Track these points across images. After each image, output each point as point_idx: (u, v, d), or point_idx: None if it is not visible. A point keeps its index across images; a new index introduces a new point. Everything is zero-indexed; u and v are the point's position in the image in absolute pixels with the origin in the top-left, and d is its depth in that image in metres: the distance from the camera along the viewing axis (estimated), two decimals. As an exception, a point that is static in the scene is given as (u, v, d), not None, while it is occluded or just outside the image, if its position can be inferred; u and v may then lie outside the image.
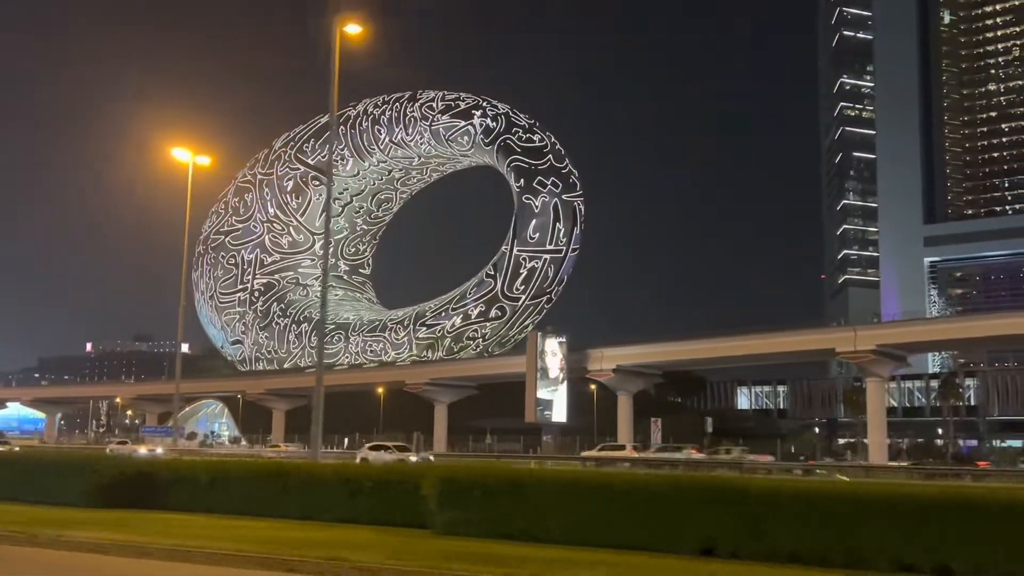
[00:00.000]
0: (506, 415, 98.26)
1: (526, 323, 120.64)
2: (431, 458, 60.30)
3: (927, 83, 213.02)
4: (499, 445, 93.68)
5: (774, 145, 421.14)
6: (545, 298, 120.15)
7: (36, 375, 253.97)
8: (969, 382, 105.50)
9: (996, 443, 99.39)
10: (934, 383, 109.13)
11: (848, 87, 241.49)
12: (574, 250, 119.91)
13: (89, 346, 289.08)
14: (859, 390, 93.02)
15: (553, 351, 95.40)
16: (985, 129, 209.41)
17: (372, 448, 64.91)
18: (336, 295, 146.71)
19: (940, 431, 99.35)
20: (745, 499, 16.78)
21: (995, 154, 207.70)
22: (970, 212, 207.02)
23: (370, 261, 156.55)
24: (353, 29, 30.54)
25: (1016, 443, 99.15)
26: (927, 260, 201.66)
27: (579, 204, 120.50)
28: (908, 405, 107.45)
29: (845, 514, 15.80)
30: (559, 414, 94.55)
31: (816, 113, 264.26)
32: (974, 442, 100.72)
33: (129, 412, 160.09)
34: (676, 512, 17.11)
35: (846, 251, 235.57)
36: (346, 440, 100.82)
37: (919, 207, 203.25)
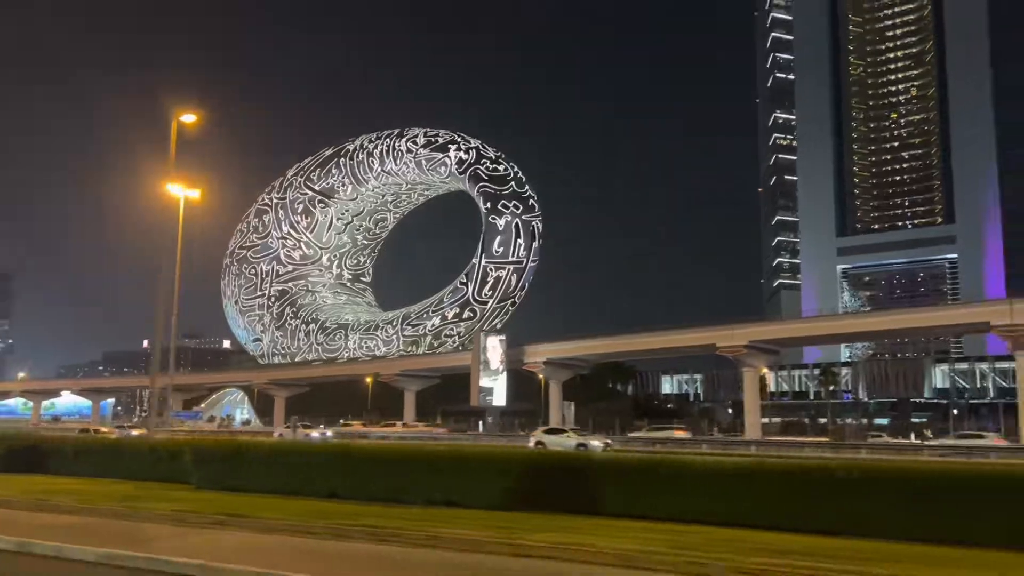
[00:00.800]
0: (463, 400, 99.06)
1: (494, 322, 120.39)
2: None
3: (839, 117, 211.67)
4: (455, 424, 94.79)
5: (721, 174, 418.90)
6: (510, 301, 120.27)
7: (100, 368, 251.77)
8: (846, 371, 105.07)
9: (864, 421, 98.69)
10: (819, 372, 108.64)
11: (781, 120, 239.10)
12: (533, 261, 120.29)
13: (146, 342, 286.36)
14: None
15: (494, 346, 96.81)
16: (888, 156, 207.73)
17: (547, 432, 55.25)
18: (340, 300, 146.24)
19: (830, 413, 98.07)
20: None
21: (896, 177, 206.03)
22: (876, 226, 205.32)
23: (370, 271, 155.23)
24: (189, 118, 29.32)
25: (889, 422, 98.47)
26: (839, 267, 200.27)
27: (537, 223, 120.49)
28: (798, 390, 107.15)
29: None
30: (499, 399, 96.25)
31: (756, 145, 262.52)
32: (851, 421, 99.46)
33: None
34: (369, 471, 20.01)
35: (779, 259, 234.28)
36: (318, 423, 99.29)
37: (832, 221, 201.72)
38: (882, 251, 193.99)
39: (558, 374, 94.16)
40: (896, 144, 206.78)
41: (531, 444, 45.74)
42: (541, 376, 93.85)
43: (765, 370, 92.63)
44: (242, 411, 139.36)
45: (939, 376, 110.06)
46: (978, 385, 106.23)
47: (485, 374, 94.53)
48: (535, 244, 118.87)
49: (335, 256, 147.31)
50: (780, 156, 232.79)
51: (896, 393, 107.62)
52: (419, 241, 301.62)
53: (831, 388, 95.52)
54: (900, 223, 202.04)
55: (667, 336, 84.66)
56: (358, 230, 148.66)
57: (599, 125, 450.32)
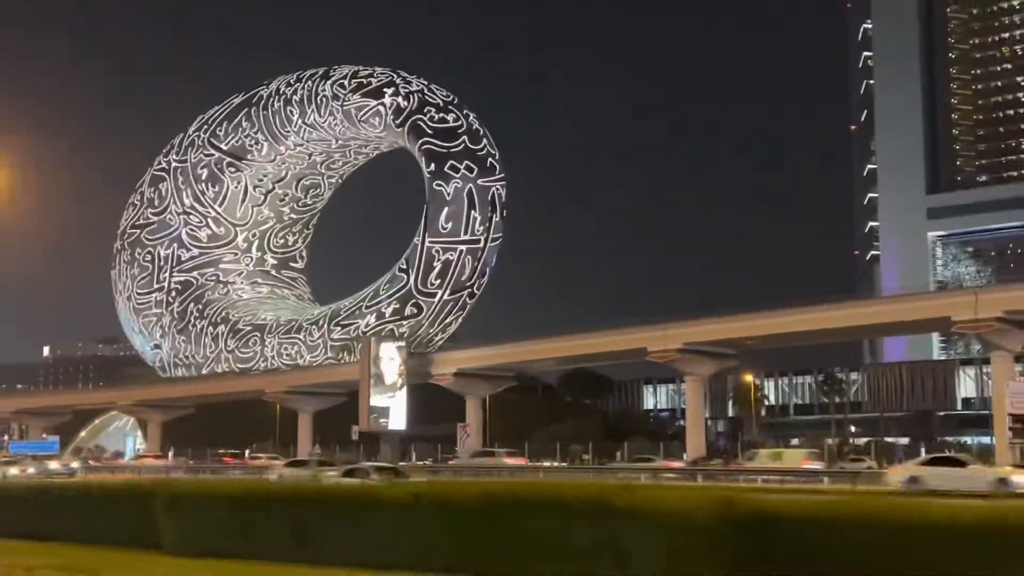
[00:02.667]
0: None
1: (447, 320, 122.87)
2: None
3: (930, 30, 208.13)
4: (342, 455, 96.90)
5: (792, 106, 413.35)
6: (466, 293, 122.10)
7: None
8: (855, 376, 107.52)
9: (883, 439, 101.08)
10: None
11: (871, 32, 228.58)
12: (495, 240, 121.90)
13: (47, 350, 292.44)
14: (747, 386, 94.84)
15: (390, 356, 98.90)
16: (998, 83, 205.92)
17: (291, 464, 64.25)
18: (259, 292, 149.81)
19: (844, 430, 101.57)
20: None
21: (1010, 111, 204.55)
22: (982, 179, 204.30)
23: (303, 254, 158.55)
24: None
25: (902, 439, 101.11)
26: (932, 234, 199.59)
27: (499, 189, 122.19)
28: (803, 402, 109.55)
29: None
30: (397, 421, 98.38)
31: (846, 67, 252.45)
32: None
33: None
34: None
35: (872, 223, 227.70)
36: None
37: (921, 173, 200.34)
38: (989, 211, 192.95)
39: (475, 388, 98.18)
40: (1009, 66, 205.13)
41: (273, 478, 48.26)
42: (458, 392, 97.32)
43: (749, 377, 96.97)
44: (135, 440, 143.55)
45: (965, 383, 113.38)
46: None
47: (378, 390, 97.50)
48: (495, 217, 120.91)
49: (254, 235, 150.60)
50: (871, 82, 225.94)
51: (918, 405, 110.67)
52: (373, 214, 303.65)
53: (837, 400, 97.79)
54: (1016, 173, 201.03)
55: (588, 340, 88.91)
56: (283, 201, 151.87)
57: (600, 37, 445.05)
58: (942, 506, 14.66)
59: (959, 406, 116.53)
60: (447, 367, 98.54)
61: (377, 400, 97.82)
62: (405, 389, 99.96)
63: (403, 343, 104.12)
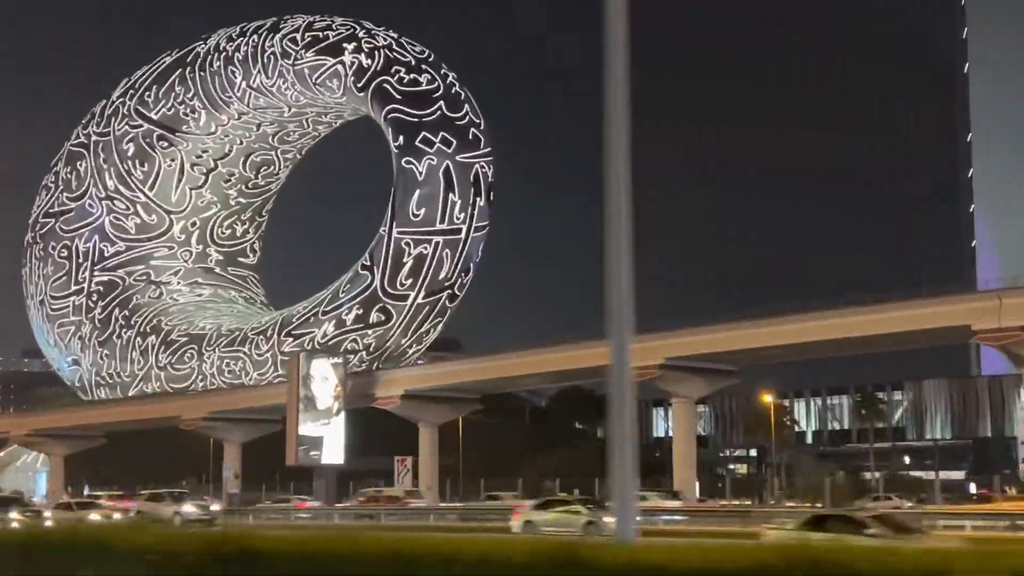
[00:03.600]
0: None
1: (423, 328, 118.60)
2: None
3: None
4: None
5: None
6: (445, 294, 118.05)
7: None
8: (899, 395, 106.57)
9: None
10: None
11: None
12: (479, 229, 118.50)
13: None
14: (764, 409, 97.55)
15: (324, 375, 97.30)
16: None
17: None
18: (199, 295, 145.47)
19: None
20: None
21: None
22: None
23: (256, 246, 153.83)
24: None
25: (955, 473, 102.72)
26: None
27: (484, 166, 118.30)
28: (837, 427, 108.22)
29: None
30: (333, 453, 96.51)
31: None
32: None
33: None
34: None
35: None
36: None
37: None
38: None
39: (428, 413, 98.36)
40: None
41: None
42: (409, 419, 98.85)
43: (767, 398, 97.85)
44: (44, 478, 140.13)
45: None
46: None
47: (309, 416, 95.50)
48: (479, 201, 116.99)
49: (193, 225, 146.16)
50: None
51: (970, 430, 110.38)
52: (344, 195, 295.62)
53: (878, 424, 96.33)
54: None
55: (554, 355, 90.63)
56: (228, 182, 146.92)
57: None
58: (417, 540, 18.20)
59: (1016, 430, 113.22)
60: (393, 388, 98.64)
61: (308, 428, 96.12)
62: (343, 415, 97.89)
63: (339, 360, 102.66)
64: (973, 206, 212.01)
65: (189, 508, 67.51)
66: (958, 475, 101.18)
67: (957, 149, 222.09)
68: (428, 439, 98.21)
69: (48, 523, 56.81)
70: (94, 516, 60.75)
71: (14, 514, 61.17)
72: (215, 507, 73.10)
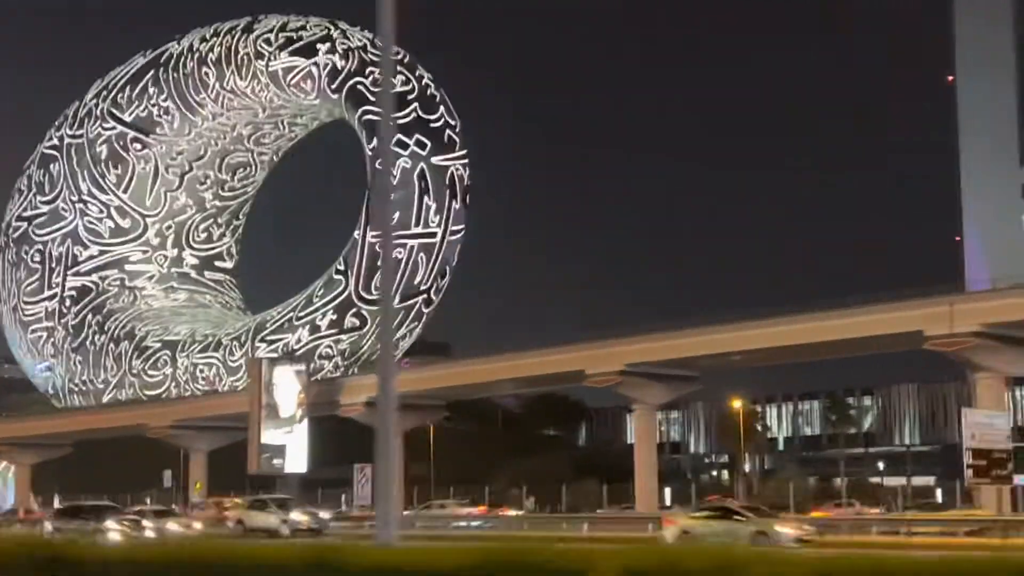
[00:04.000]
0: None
1: (400, 334, 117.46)
2: None
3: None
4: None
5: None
6: (421, 299, 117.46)
7: None
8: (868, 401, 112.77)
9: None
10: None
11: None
12: (455, 232, 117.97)
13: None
14: (731, 416, 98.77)
15: (287, 382, 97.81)
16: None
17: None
18: (175, 300, 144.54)
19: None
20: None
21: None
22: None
23: (232, 250, 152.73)
24: None
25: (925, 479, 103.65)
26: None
27: (459, 168, 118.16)
28: (810, 433, 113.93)
29: None
30: (296, 463, 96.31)
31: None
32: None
33: None
34: None
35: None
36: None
37: (1015, 144, 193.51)
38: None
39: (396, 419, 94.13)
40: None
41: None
42: (373, 426, 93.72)
43: (737, 403, 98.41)
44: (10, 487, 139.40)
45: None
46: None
47: (272, 424, 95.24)
48: (455, 204, 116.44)
49: (168, 228, 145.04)
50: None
51: (940, 436, 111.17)
52: (324, 197, 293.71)
53: (849, 430, 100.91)
54: None
55: (521, 360, 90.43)
56: (204, 185, 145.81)
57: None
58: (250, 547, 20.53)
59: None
60: (357, 396, 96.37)
61: (271, 436, 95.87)
62: (306, 423, 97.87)
63: (303, 367, 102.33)
64: (962, 205, 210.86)
65: (298, 516, 63.77)
66: (930, 481, 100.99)
67: (945, 148, 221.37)
68: (396, 447, 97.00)
69: (149, 534, 53.26)
70: (172, 526, 58.11)
71: (111, 523, 54.42)
72: (324, 515, 69.10)
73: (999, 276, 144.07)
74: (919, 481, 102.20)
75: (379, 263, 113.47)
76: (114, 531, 52.27)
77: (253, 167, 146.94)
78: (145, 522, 57.99)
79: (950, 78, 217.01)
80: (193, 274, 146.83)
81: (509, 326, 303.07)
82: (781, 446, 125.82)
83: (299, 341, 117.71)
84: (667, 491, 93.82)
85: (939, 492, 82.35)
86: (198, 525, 62.42)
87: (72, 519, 59.52)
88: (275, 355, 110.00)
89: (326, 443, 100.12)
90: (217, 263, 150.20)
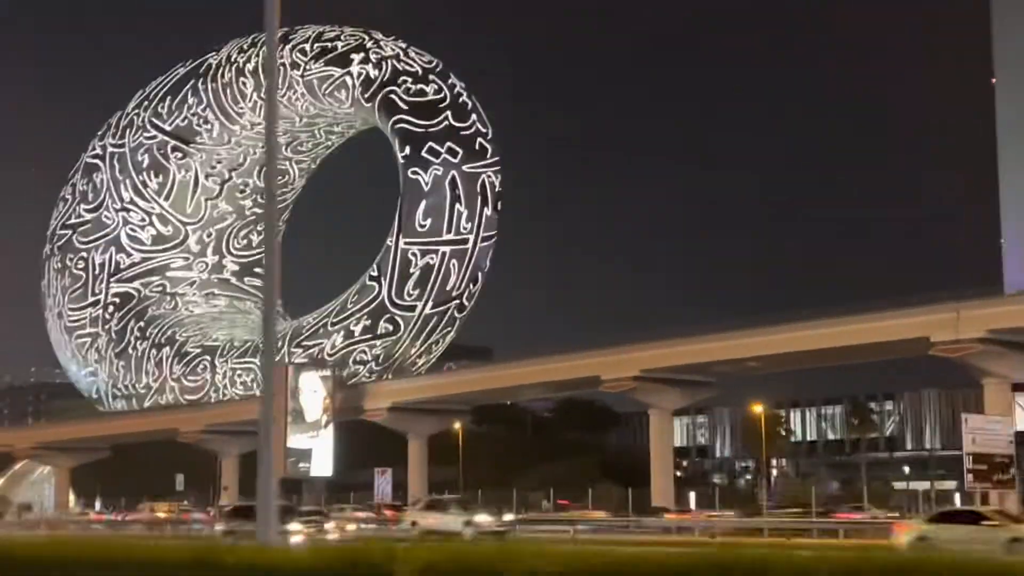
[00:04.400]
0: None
1: (432, 339, 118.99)
2: None
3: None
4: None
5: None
6: (454, 305, 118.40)
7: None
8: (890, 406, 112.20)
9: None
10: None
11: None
12: (486, 239, 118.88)
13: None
14: (755, 419, 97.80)
15: (313, 388, 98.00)
16: None
17: None
18: (215, 306, 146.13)
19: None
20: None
21: None
22: None
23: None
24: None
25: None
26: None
27: (491, 176, 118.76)
28: (833, 438, 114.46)
29: None
30: (322, 466, 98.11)
31: None
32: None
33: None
34: None
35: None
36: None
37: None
38: None
39: (417, 425, 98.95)
40: None
41: None
42: (398, 431, 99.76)
43: (758, 408, 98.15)
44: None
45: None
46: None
47: (298, 429, 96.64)
48: (486, 211, 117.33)
49: (209, 236, 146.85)
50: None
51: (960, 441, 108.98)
52: (361, 202, 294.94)
53: (871, 435, 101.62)
54: None
55: (543, 365, 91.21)
56: (243, 193, 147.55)
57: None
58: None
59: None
60: (381, 400, 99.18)
61: (297, 441, 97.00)
62: (331, 428, 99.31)
63: (328, 373, 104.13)
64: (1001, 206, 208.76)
65: (484, 518, 59.86)
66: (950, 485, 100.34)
67: (983, 148, 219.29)
68: (417, 451, 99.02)
69: (331, 536, 51.21)
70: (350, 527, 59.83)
71: (294, 526, 51.62)
72: (509, 516, 68.04)
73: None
74: (944, 485, 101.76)
75: (411, 270, 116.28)
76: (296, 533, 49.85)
77: (291, 175, 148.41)
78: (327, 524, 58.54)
79: (993, 80, 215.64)
80: (233, 280, 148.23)
81: (541, 327, 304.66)
82: (804, 450, 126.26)
83: (334, 347, 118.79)
84: (691, 495, 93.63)
85: (958, 497, 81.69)
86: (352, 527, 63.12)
87: (246, 520, 57.54)
88: (304, 361, 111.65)
89: (353, 447, 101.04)
90: (257, 269, 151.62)
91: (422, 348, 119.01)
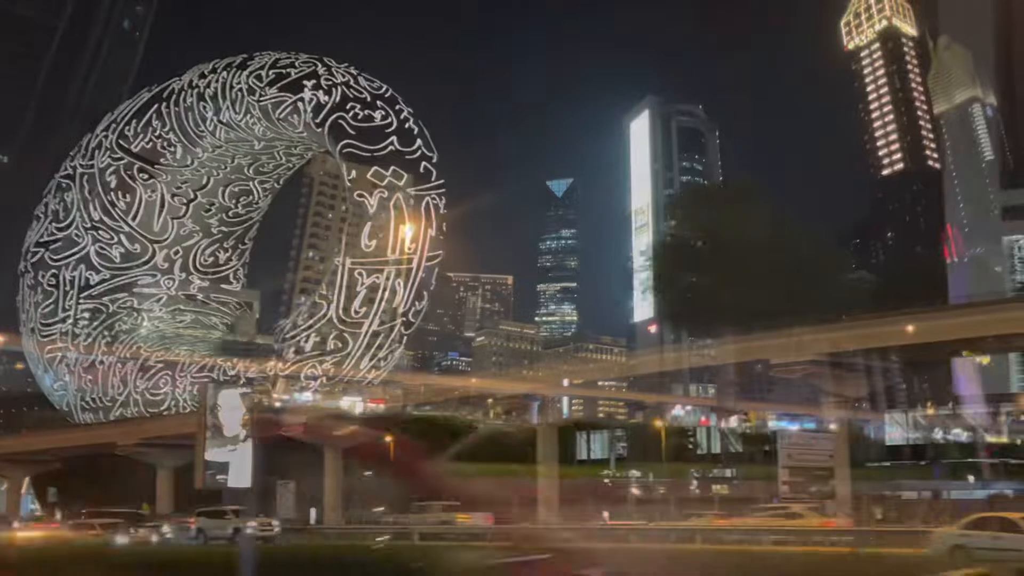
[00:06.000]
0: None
1: (380, 355, 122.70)
2: None
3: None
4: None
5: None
6: (399, 322, 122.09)
7: None
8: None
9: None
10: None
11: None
12: (431, 259, 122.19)
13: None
14: None
15: (232, 405, 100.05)
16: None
17: None
18: (180, 321, 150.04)
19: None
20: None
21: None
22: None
23: (239, 273, 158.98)
24: None
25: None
26: (1008, 239, 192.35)
27: (435, 198, 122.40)
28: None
29: None
30: (240, 477, 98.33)
31: None
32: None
33: None
34: None
35: None
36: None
37: (995, 165, 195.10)
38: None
39: (332, 438, 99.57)
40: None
41: None
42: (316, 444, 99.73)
43: None
44: (31, 499, 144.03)
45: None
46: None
47: (216, 443, 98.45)
48: (431, 232, 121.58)
49: (176, 253, 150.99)
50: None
51: None
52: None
53: None
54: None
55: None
56: (209, 212, 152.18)
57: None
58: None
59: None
60: (298, 416, 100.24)
61: (214, 454, 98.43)
62: (250, 441, 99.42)
63: (248, 390, 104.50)
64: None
65: (252, 524, 70.01)
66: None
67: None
68: (332, 461, 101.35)
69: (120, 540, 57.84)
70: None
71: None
72: (276, 523, 76.62)
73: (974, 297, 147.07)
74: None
75: (358, 288, 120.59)
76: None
77: (256, 194, 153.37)
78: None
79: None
80: (200, 296, 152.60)
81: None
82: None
83: (286, 362, 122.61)
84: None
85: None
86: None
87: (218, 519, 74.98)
88: (222, 379, 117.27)
89: (273, 459, 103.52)
90: (224, 286, 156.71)
91: (371, 363, 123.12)
